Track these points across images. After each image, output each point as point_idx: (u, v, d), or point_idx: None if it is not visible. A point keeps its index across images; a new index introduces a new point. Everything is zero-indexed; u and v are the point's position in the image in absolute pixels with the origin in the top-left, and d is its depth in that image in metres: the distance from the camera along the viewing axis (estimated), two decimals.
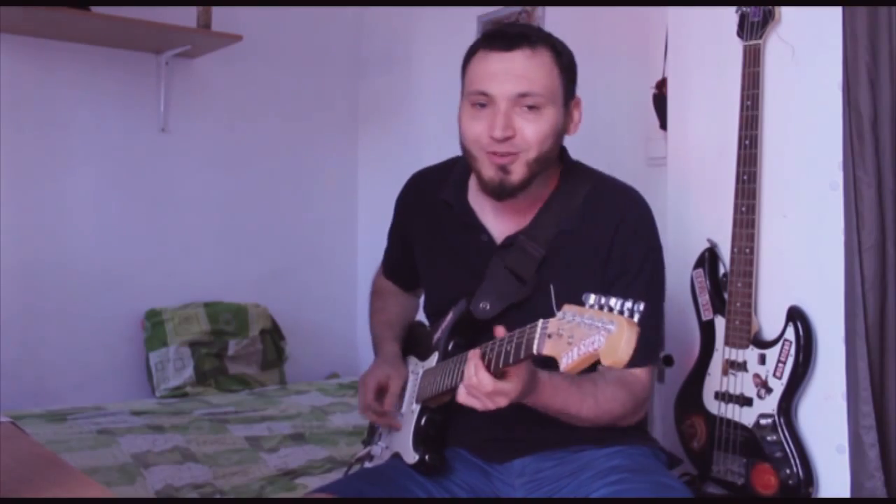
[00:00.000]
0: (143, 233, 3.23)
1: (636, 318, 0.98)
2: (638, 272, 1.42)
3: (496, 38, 1.38)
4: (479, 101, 1.37)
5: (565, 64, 1.40)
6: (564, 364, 1.01)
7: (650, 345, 1.41)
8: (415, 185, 1.64)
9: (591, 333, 0.98)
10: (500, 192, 1.39)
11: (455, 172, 1.54)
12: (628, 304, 0.98)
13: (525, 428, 1.41)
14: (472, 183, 1.52)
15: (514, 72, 1.34)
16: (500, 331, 1.23)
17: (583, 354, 0.99)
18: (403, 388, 1.52)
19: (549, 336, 1.05)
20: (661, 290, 1.48)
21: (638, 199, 1.47)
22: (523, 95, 1.34)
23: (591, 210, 1.44)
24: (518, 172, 1.37)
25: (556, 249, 1.42)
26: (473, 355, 1.22)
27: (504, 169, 1.36)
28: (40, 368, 3.01)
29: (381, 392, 1.53)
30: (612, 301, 0.99)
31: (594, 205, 1.44)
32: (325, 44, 3.63)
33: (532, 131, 1.35)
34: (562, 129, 1.41)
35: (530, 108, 1.35)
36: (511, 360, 1.15)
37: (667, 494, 1.30)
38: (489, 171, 1.38)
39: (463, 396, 1.22)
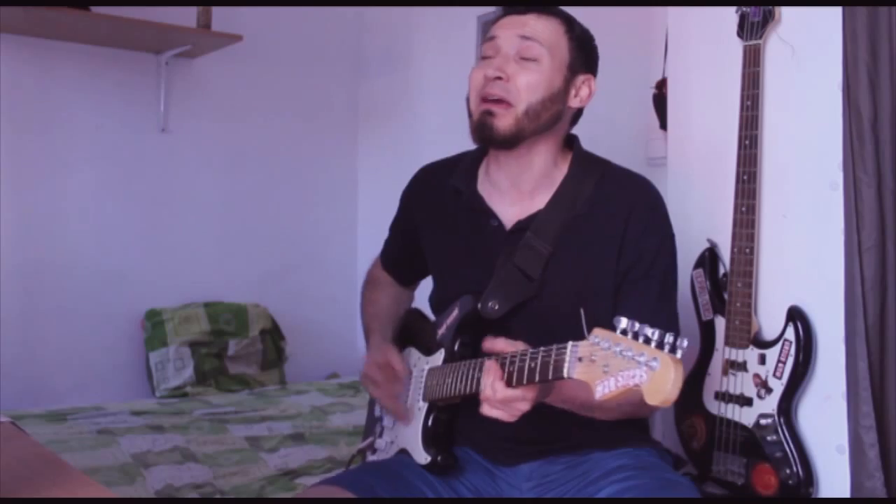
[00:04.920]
0: (143, 233, 3.22)
1: (679, 354, 0.95)
2: (653, 262, 1.41)
3: (513, 5, 1.46)
4: (487, 51, 1.44)
5: (577, 35, 1.46)
6: (600, 393, 0.99)
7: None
8: (422, 177, 1.64)
9: (630, 366, 0.95)
10: (482, 134, 1.41)
11: (464, 162, 1.55)
12: (669, 339, 0.95)
13: (533, 430, 1.40)
14: (482, 172, 1.52)
15: (522, 22, 1.43)
16: (499, 345, 1.22)
17: (621, 387, 0.96)
18: (402, 358, 1.52)
19: (580, 360, 1.03)
20: (675, 280, 1.47)
21: (649, 188, 1.47)
22: (524, 38, 1.40)
23: (601, 198, 1.43)
24: (504, 121, 1.39)
25: (565, 242, 1.41)
26: (493, 367, 1.20)
27: (490, 112, 1.40)
28: (40, 368, 3.01)
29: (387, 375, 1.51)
30: (648, 331, 0.96)
31: (605, 193, 1.44)
32: (325, 44, 3.63)
33: (524, 80, 1.39)
34: (558, 93, 1.42)
35: (528, 59, 1.40)
36: (537, 379, 1.13)
37: (673, 490, 1.31)
38: (476, 114, 1.42)
39: (486, 409, 1.22)
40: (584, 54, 1.46)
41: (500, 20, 1.47)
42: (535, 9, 1.44)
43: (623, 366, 0.97)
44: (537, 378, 1.12)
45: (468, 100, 1.46)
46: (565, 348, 1.07)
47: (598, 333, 1.02)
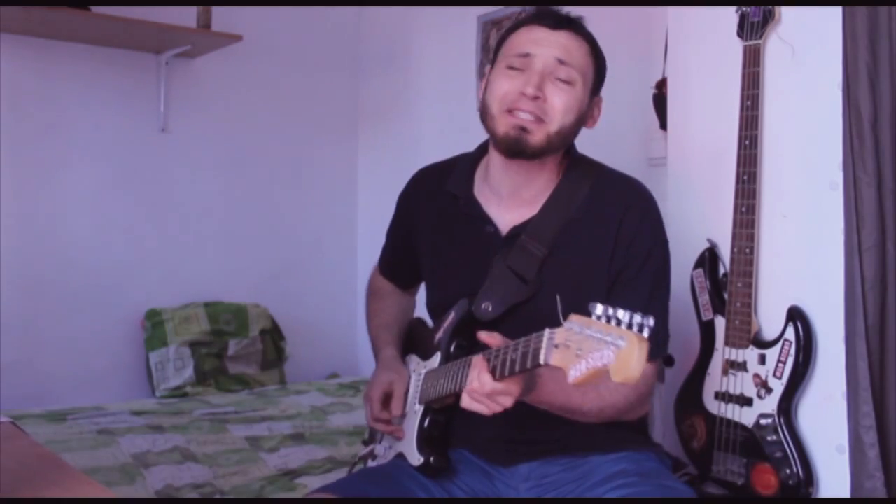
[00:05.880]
0: (143, 233, 3.22)
1: (646, 332, 0.96)
2: (643, 265, 1.42)
3: (545, 17, 1.44)
4: (517, 63, 1.41)
5: (598, 62, 1.46)
6: (572, 377, 1.00)
7: (656, 339, 1.40)
8: (419, 181, 1.64)
9: (599, 347, 0.97)
10: (514, 148, 1.39)
11: (460, 166, 1.55)
12: (637, 319, 0.97)
13: (530, 431, 1.41)
14: (479, 176, 1.52)
15: (558, 42, 1.41)
16: (494, 340, 1.22)
17: (591, 368, 0.98)
18: (407, 391, 1.52)
19: (556, 346, 1.05)
20: (667, 283, 1.47)
21: (643, 191, 1.48)
22: (562, 63, 1.39)
23: (596, 202, 1.44)
24: (537, 137, 1.39)
25: (560, 246, 1.42)
26: (478, 361, 1.21)
27: (524, 129, 1.38)
28: (40, 368, 3.01)
29: (386, 399, 1.52)
30: (620, 313, 0.98)
31: (599, 197, 1.44)
32: (325, 44, 3.63)
33: (560, 101, 1.39)
34: (584, 116, 1.44)
35: (564, 81, 1.39)
36: (518, 369, 1.13)
37: (673, 498, 1.31)
38: (505, 128, 1.39)
39: (466, 401, 1.22)
40: (601, 77, 1.48)
41: (528, 30, 1.43)
42: (568, 26, 1.42)
43: (593, 347, 0.98)
44: (518, 368, 1.13)
45: (484, 103, 1.44)
46: (542, 336, 1.08)
47: (574, 319, 1.03)
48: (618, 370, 0.95)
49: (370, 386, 1.55)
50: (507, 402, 1.20)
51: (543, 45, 1.40)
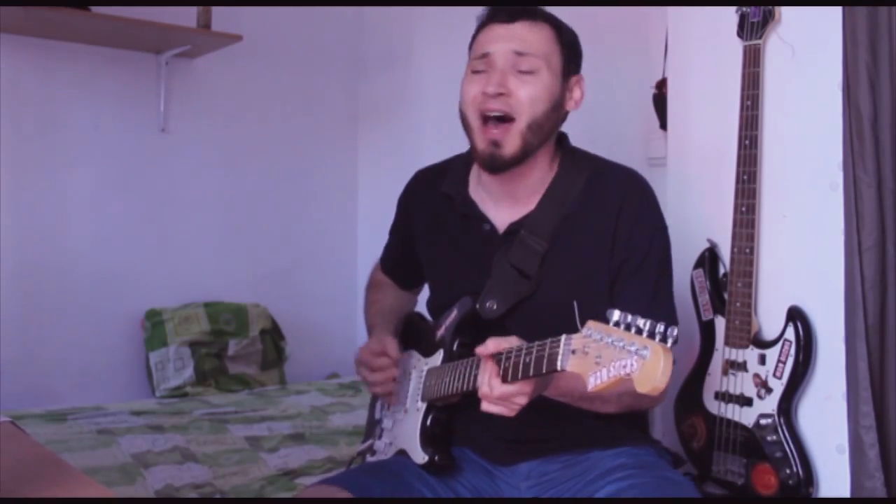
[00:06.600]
0: (143, 233, 3.22)
1: (669, 342, 0.95)
2: (646, 255, 1.42)
3: (498, 13, 1.45)
4: (479, 65, 1.42)
5: (566, 40, 1.45)
6: (592, 384, 1.00)
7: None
8: (417, 182, 1.65)
9: (621, 356, 0.96)
10: (491, 165, 1.40)
11: (455, 167, 1.55)
12: (660, 328, 0.96)
13: (531, 430, 1.41)
14: (473, 176, 1.52)
15: (514, 35, 1.41)
16: (490, 347, 1.21)
17: (613, 377, 0.97)
18: (401, 354, 1.51)
19: (574, 352, 1.04)
20: (670, 269, 1.47)
21: (639, 180, 1.47)
22: (520, 54, 1.39)
23: (592, 194, 1.44)
24: (511, 145, 1.39)
25: (559, 240, 1.42)
26: (488, 365, 1.20)
27: (496, 143, 1.39)
28: (40, 368, 3.00)
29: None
30: (640, 321, 0.97)
31: (596, 189, 1.44)
32: (325, 44, 3.63)
33: (525, 93, 1.38)
34: (558, 101, 1.43)
35: (526, 72, 1.39)
36: (531, 373, 1.13)
37: (672, 489, 1.31)
38: (481, 143, 1.40)
39: (485, 406, 1.22)
40: (573, 56, 1.46)
41: (486, 30, 1.45)
42: (523, 16, 1.42)
43: (615, 356, 0.97)
44: (532, 372, 1.13)
45: (461, 112, 1.44)
46: (559, 341, 1.08)
47: (592, 325, 1.03)
48: (643, 381, 0.94)
49: (360, 354, 1.53)
50: (522, 400, 1.19)
51: (499, 41, 1.41)
